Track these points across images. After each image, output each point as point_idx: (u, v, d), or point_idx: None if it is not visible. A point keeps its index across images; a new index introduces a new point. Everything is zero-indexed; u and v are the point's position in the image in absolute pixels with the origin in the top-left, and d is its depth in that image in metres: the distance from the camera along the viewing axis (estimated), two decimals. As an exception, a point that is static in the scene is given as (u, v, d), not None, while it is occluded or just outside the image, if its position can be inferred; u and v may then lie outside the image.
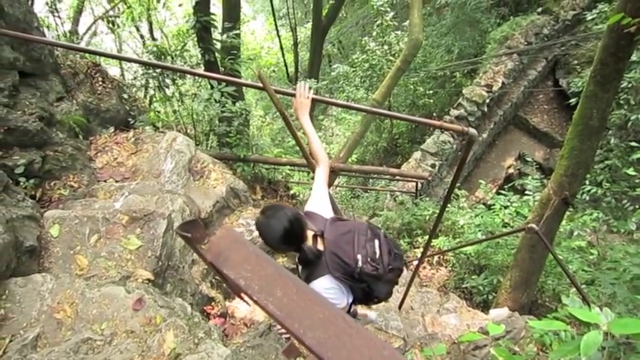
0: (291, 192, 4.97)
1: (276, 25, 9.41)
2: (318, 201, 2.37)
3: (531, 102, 12.32)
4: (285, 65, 9.96)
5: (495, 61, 11.60)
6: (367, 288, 2.22)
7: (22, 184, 2.98)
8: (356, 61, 12.60)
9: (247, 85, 2.90)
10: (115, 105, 4.35)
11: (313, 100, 2.72)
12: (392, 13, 12.03)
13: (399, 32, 11.99)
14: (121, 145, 3.85)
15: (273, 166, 4.68)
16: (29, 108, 3.31)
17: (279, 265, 0.71)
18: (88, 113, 4.04)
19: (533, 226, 3.79)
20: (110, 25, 7.48)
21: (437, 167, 10.06)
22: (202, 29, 5.06)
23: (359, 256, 2.10)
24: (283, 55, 9.88)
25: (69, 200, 3.19)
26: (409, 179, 8.62)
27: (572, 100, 10.08)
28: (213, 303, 3.31)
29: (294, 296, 0.66)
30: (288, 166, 4.68)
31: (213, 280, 3.51)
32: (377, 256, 2.17)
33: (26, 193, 2.90)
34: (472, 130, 2.77)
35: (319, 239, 2.17)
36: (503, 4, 14.15)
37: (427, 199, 8.60)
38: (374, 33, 12.11)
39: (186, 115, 5.21)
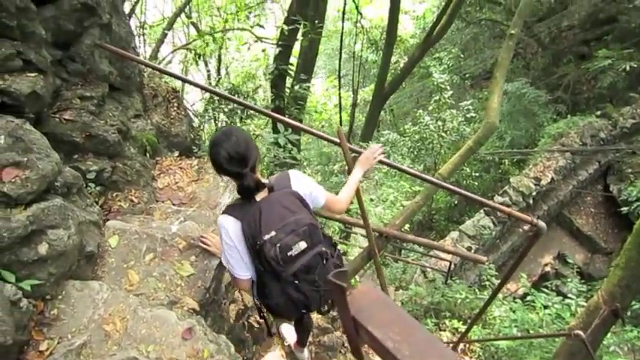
0: (339, 247, 4.89)
1: (339, 84, 9.71)
2: (316, 185, 2.30)
3: (578, 203, 12.07)
4: (340, 123, 10.17)
5: (547, 156, 11.54)
6: (262, 275, 2.05)
7: (90, 189, 3.06)
8: (407, 131, 12.78)
9: (323, 138, 2.95)
10: (184, 131, 4.51)
11: (380, 162, 2.76)
12: (450, 92, 12.27)
13: (454, 111, 12.16)
14: (184, 171, 3.95)
15: (323, 220, 4.69)
16: (111, 119, 3.46)
17: (430, 333, 0.68)
18: (159, 134, 4.20)
19: (580, 333, 3.60)
20: (195, 57, 7.93)
21: (472, 251, 9.84)
22: (279, 76, 5.29)
23: (273, 233, 1.93)
24: (341, 113, 10.13)
25: (127, 214, 3.25)
26: (444, 258, 8.44)
27: (624, 209, 9.82)
28: (241, 345, 3.23)
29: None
30: (338, 223, 4.68)
31: (245, 323, 3.44)
32: (289, 253, 1.97)
33: (92, 199, 2.98)
34: (541, 224, 2.72)
35: (266, 191, 2.07)
36: (561, 101, 14.27)
37: (458, 281, 8.36)
38: (430, 107, 12.32)
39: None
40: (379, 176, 12.89)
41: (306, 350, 3.46)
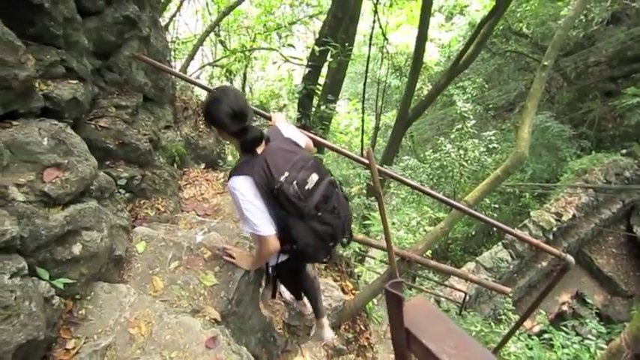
0: (356, 270, 4.93)
1: (363, 108, 9.79)
2: (297, 131, 2.40)
3: (599, 242, 11.80)
4: (362, 146, 10.23)
5: (569, 192, 11.38)
6: (286, 220, 2.07)
7: (119, 195, 3.13)
8: (427, 157, 12.76)
9: (352, 158, 2.98)
10: (211, 145, 4.60)
11: (409, 186, 2.77)
12: (473, 121, 12.26)
13: (476, 140, 12.13)
14: (210, 183, 4.01)
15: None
16: (143, 129, 3.55)
17: (484, 348, 0.69)
18: (187, 146, 4.29)
19: (602, 374, 3.50)
20: (225, 73, 8.11)
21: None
22: (306, 95, 5.38)
23: (286, 173, 2.01)
24: (362, 136, 10.19)
25: (153, 222, 3.30)
26: (459, 289, 8.32)
27: (648, 252, 9.60)
28: (256, 361, 3.22)
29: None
30: (359, 244, 4.68)
31: (261, 338, 3.43)
32: (306, 187, 2.06)
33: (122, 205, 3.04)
34: (570, 258, 2.69)
35: (262, 143, 2.15)
36: (585, 136, 14.13)
37: (472, 313, 8.22)
38: (452, 136, 12.31)
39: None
40: (397, 201, 12.85)
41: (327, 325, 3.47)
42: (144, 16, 3.59)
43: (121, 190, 3.15)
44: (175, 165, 3.99)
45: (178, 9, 10.42)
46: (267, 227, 2.09)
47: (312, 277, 3.11)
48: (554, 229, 10.58)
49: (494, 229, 13.50)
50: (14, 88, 2.12)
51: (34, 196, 1.95)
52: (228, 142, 5.61)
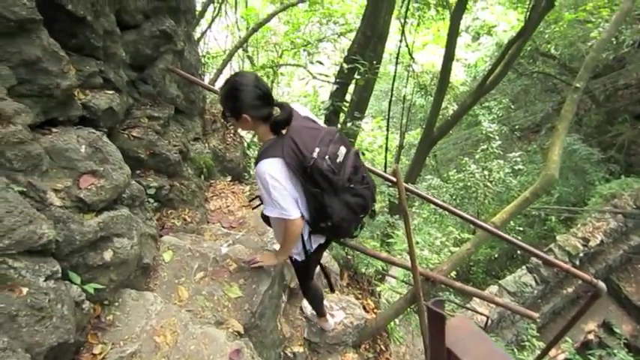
0: (378, 289, 4.89)
1: (387, 126, 9.81)
2: (304, 107, 2.37)
3: (628, 269, 11.41)
4: (385, 164, 10.21)
5: (597, 216, 11.08)
6: (320, 198, 2.05)
7: (149, 204, 3.18)
8: (451, 177, 12.63)
9: (379, 174, 2.98)
10: (238, 158, 4.65)
11: (435, 205, 2.74)
12: (498, 142, 12.12)
13: (501, 161, 11.97)
14: (236, 195, 4.05)
15: (366, 258, 4.68)
16: (174, 140, 3.62)
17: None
18: (214, 158, 4.34)
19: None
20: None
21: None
22: (333, 112, 5.41)
23: (317, 149, 1.99)
24: (386, 154, 10.18)
25: (179, 232, 3.34)
26: (481, 312, 8.14)
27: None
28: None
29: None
30: (382, 263, 4.65)
31: (281, 353, 3.41)
32: (338, 160, 2.07)
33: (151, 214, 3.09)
34: (601, 284, 2.62)
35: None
36: (614, 160, 13.81)
37: (494, 338, 8.02)
38: (476, 156, 12.18)
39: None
40: (418, 221, 12.72)
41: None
42: (179, 30, 3.69)
43: (150, 199, 3.20)
44: (203, 177, 4.04)
45: (210, 25, 10.68)
46: (295, 210, 2.10)
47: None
48: (581, 254, 10.29)
49: (518, 252, 13.25)
50: (56, 97, 2.20)
51: (70, 201, 2.00)
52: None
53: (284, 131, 2.10)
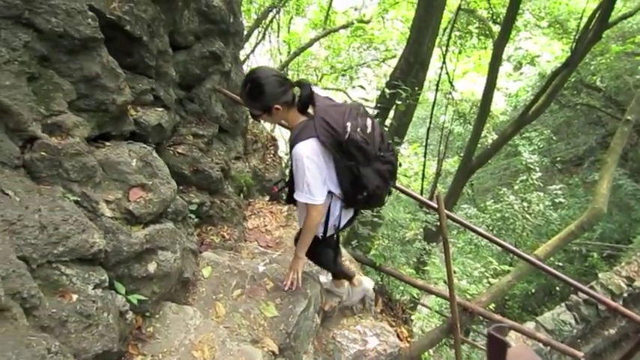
0: (411, 317, 4.79)
1: (425, 152, 9.76)
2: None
3: (677, 314, 10.80)
4: (421, 191, 10.10)
5: (643, 255, 10.59)
6: (356, 170, 2.14)
7: (191, 219, 3.24)
8: (488, 207, 12.35)
9: (421, 201, 2.95)
10: (277, 178, 4.70)
11: (477, 234, 2.68)
12: (539, 174, 11.82)
13: (541, 194, 11.65)
14: (274, 215, 4.08)
15: (401, 284, 4.59)
16: (217, 158, 3.69)
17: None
18: (254, 177, 4.41)
19: None
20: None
21: (548, 347, 9.04)
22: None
23: (348, 124, 2.07)
24: (423, 182, 10.08)
25: (218, 248, 3.38)
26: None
27: None
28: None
29: None
30: (417, 291, 4.56)
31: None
32: (367, 131, 2.16)
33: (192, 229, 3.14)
34: (653, 325, 2.48)
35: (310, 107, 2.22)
36: (662, 199, 13.23)
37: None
38: (515, 187, 11.89)
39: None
40: (453, 250, 12.45)
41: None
42: (227, 52, 3.80)
43: (191, 214, 3.26)
44: (242, 195, 4.10)
45: (253, 49, 10.97)
46: (321, 196, 2.21)
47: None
48: (625, 294, 9.80)
49: (557, 288, 12.76)
50: (111, 112, 2.29)
51: (119, 213, 2.06)
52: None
53: (311, 111, 2.21)
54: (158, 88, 3.01)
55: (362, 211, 4.63)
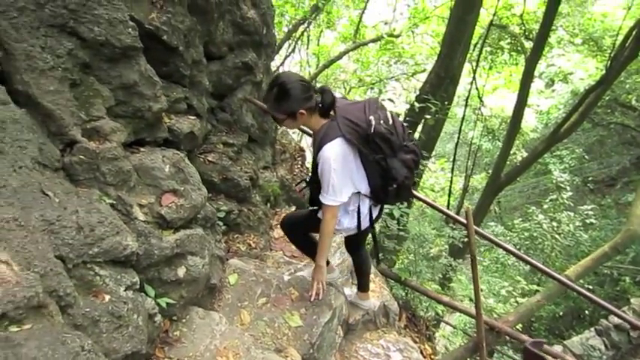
0: (435, 334, 4.71)
1: (453, 168, 9.66)
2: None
3: None
4: (447, 206, 9.98)
5: (679, 281, 10.19)
6: (383, 163, 2.16)
7: (219, 227, 3.28)
8: (516, 226, 12.10)
9: (450, 216, 2.92)
10: (304, 189, 4.73)
11: (507, 252, 2.63)
12: (569, 193, 11.54)
13: (571, 213, 11.36)
14: (300, 225, 4.09)
15: (425, 300, 4.54)
16: (245, 167, 3.74)
17: None
18: (281, 187, 4.44)
19: None
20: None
21: (578, 371, 8.74)
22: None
23: (371, 117, 2.12)
24: (449, 197, 9.98)
25: (244, 256, 3.41)
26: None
27: None
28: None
29: None
30: (441, 307, 4.49)
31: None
32: (389, 123, 2.21)
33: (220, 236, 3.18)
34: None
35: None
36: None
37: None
38: (544, 206, 11.63)
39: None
40: (479, 268, 12.22)
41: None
42: (260, 63, 3.86)
43: (219, 222, 3.30)
44: (269, 204, 4.13)
45: (283, 61, 11.11)
46: (346, 196, 2.26)
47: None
48: (659, 321, 9.44)
49: (586, 312, 12.35)
50: (146, 119, 2.35)
51: (152, 217, 2.11)
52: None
53: (332, 113, 2.25)
54: (191, 96, 3.07)
55: (388, 225, 4.62)
